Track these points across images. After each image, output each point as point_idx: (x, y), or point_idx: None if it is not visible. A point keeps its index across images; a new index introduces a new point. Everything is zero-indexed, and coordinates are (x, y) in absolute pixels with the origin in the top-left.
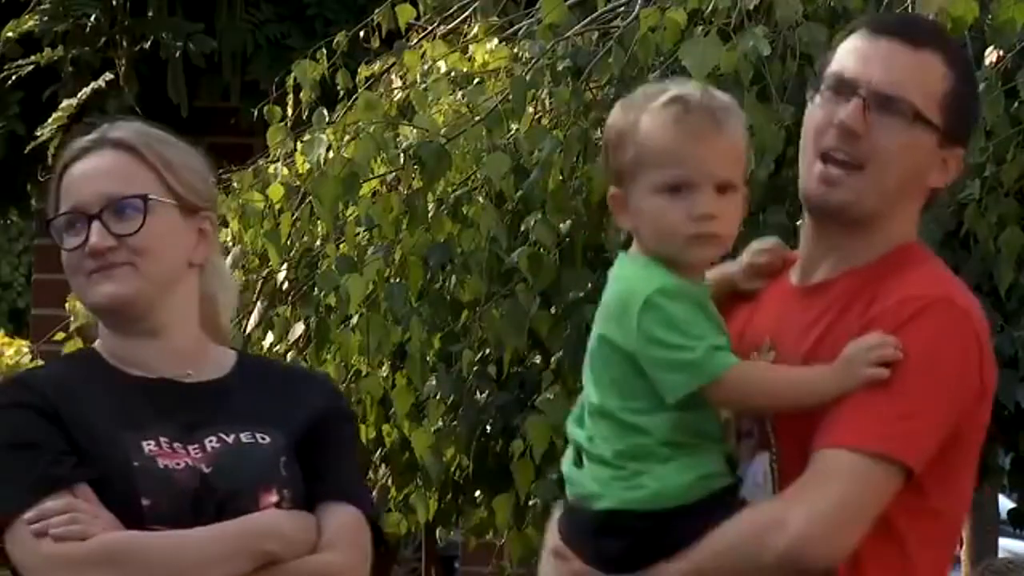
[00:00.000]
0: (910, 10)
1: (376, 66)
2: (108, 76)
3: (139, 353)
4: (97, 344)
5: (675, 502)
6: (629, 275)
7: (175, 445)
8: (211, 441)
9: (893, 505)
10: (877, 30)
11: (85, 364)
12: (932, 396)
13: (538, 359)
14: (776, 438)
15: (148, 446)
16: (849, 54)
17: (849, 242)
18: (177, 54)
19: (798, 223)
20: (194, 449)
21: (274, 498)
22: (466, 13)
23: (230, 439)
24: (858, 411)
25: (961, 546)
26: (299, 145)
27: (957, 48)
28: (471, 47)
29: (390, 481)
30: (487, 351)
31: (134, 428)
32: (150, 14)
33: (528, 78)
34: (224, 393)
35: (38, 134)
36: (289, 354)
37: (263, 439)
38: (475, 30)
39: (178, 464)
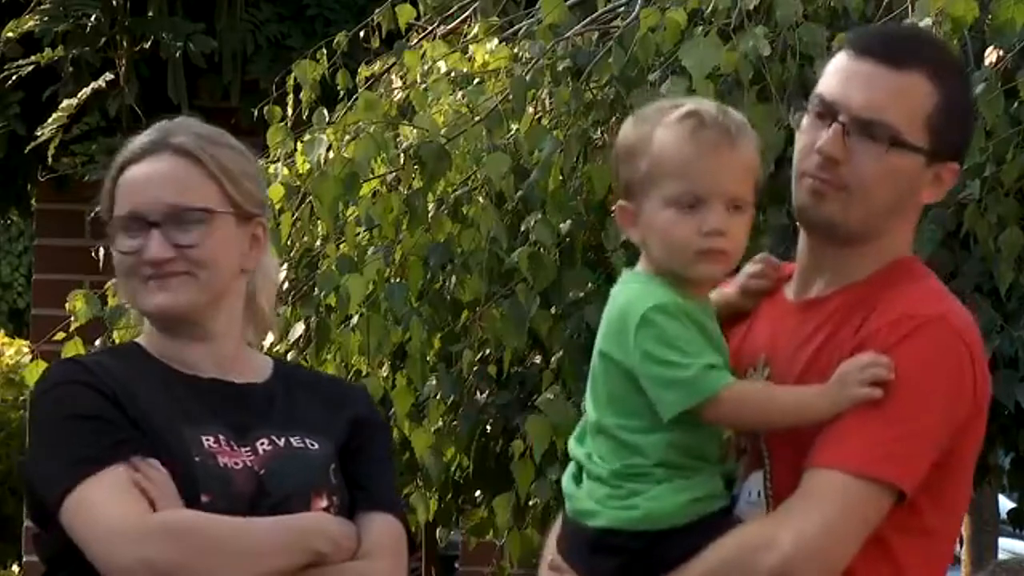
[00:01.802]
0: (910, 11)
1: (376, 66)
2: (108, 76)
3: (187, 354)
4: (141, 339)
5: (667, 523)
6: (630, 292)
7: (232, 443)
8: (262, 444)
9: (887, 524)
10: (860, 50)
11: (132, 357)
12: (924, 417)
13: (538, 359)
14: (769, 456)
15: (207, 441)
16: (832, 75)
17: (843, 258)
18: (177, 54)
19: (798, 223)
20: (246, 450)
21: (324, 503)
22: (466, 13)
23: (280, 442)
24: (850, 432)
25: (961, 546)
26: (299, 145)
27: (946, 61)
28: (471, 47)
29: None
30: (487, 351)
31: (192, 423)
32: (150, 14)
33: (528, 78)
34: (269, 397)
35: (38, 134)
36: (289, 354)
37: (313, 445)
38: (475, 30)
39: (236, 463)
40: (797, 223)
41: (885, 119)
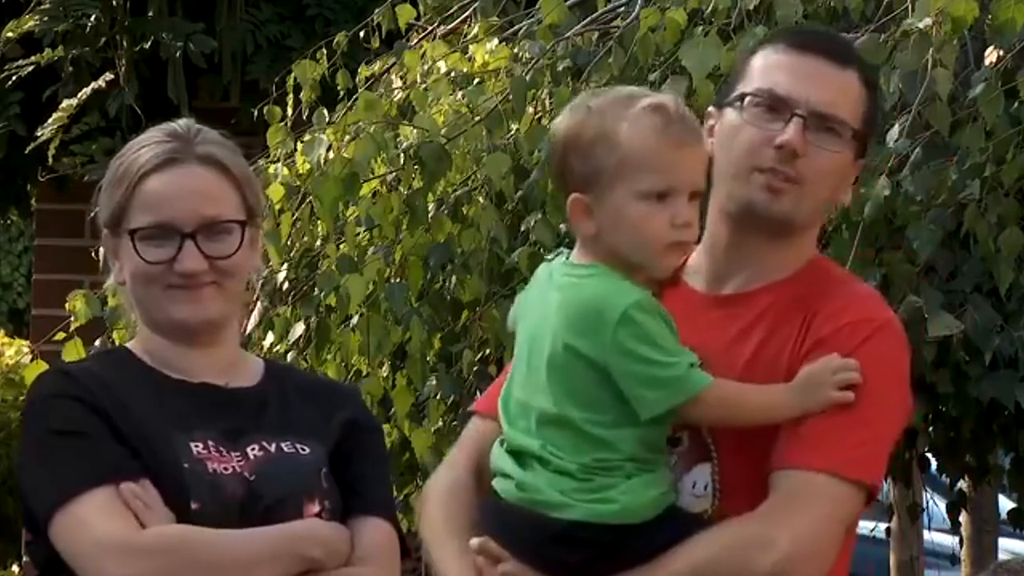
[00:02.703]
0: (910, 10)
1: (376, 66)
2: (108, 76)
3: (184, 358)
4: (132, 344)
5: (639, 517)
6: (598, 286)
7: (221, 449)
8: (253, 449)
9: None
10: (802, 46)
11: (121, 364)
12: (888, 421)
13: None
14: (717, 450)
15: (196, 448)
16: (777, 70)
17: (768, 254)
18: (177, 54)
19: (731, 216)
20: (237, 456)
21: (316, 508)
22: (466, 13)
23: (271, 447)
24: (829, 434)
25: (961, 546)
26: (299, 145)
27: (868, 65)
28: (471, 47)
29: None
30: (487, 351)
31: (181, 429)
32: (150, 14)
33: (528, 78)
34: (260, 401)
35: (38, 134)
36: (289, 354)
37: (304, 450)
38: (475, 30)
39: (226, 469)
40: (720, 218)
41: (839, 114)
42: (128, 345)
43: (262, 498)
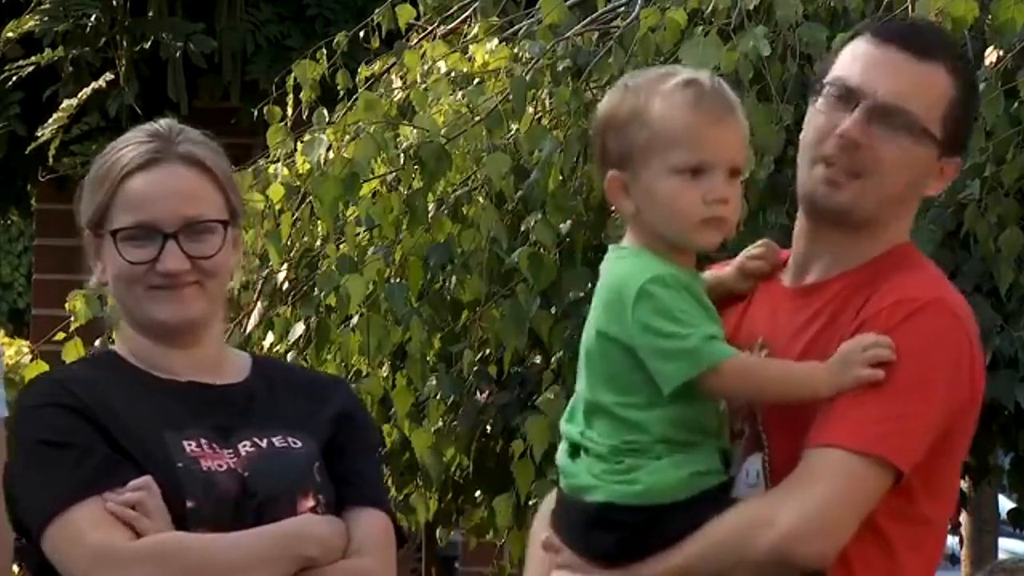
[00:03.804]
0: (910, 10)
1: (376, 66)
2: (108, 76)
3: (170, 357)
4: (117, 346)
5: (668, 498)
6: (623, 267)
7: (214, 446)
8: (244, 445)
9: (881, 509)
10: (884, 37)
11: (109, 367)
12: (923, 400)
13: (538, 359)
14: (768, 438)
15: (189, 446)
16: (855, 60)
17: (844, 244)
18: (177, 54)
19: (801, 208)
20: (229, 452)
21: (310, 503)
22: (466, 13)
23: (263, 443)
24: (850, 411)
25: (961, 546)
26: (299, 145)
27: (961, 57)
28: (471, 47)
29: (390, 481)
30: (487, 351)
31: (173, 428)
32: (150, 14)
33: (528, 78)
34: (249, 397)
35: (38, 134)
36: (289, 354)
37: (295, 444)
38: (475, 30)
39: (220, 466)
40: (800, 208)
41: (909, 107)
42: (113, 347)
43: (256, 494)
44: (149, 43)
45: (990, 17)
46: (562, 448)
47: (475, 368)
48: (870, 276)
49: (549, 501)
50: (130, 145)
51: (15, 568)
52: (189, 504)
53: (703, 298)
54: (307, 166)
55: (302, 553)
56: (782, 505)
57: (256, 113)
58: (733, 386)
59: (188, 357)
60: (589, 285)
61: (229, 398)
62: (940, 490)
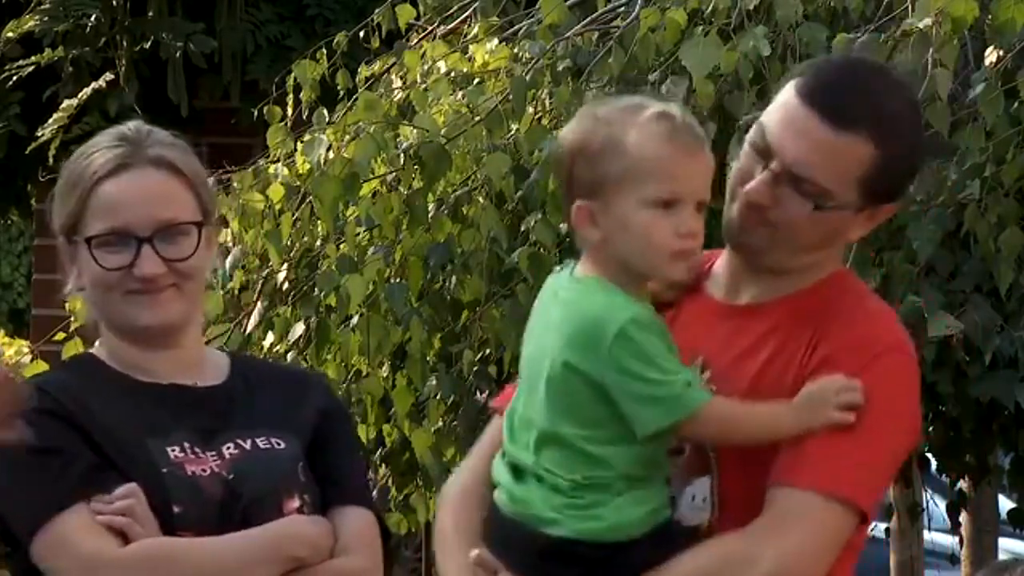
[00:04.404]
0: (910, 11)
1: (376, 66)
2: (108, 76)
3: (151, 360)
4: (97, 349)
5: (628, 535)
6: (592, 301)
7: (197, 450)
8: (228, 448)
9: None
10: (806, 97)
11: (89, 370)
12: (891, 444)
13: None
14: (717, 463)
15: (173, 452)
16: (779, 109)
17: (773, 275)
18: (177, 54)
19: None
20: (212, 455)
21: (296, 503)
22: (466, 13)
23: (247, 444)
24: (825, 454)
25: (961, 546)
26: (299, 145)
27: (894, 115)
28: (471, 47)
29: (390, 481)
30: (487, 351)
31: (155, 434)
32: (150, 14)
33: (528, 78)
34: (231, 398)
35: (38, 134)
36: (289, 354)
37: (279, 444)
38: (475, 30)
39: (204, 470)
40: None
41: (815, 178)
42: (93, 351)
43: (241, 496)
44: (149, 43)
45: (990, 17)
46: (502, 462)
47: (475, 368)
48: (815, 304)
49: (455, 489)
50: (100, 150)
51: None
52: (176, 509)
53: (669, 337)
54: (307, 166)
55: (291, 554)
56: (764, 546)
57: (256, 113)
58: (709, 431)
59: (169, 359)
60: None
61: (211, 400)
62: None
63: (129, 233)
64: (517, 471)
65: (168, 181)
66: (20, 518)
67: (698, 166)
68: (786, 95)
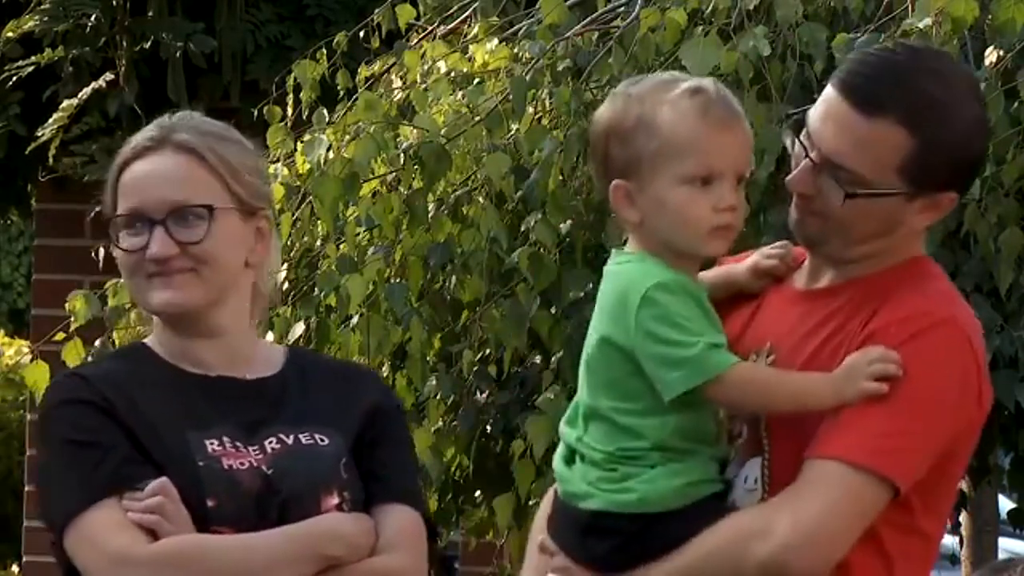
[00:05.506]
0: (910, 11)
1: (376, 66)
2: (108, 76)
3: (196, 351)
4: (149, 340)
5: (661, 507)
6: (625, 271)
7: (237, 444)
8: (270, 442)
9: (883, 521)
10: (840, 87)
11: (138, 361)
12: (928, 418)
13: (538, 359)
14: (769, 444)
15: (212, 445)
16: (819, 103)
17: (845, 262)
18: (177, 54)
19: None
20: (254, 449)
21: (335, 500)
22: (466, 13)
23: (289, 440)
24: (852, 424)
25: (961, 546)
26: (299, 145)
27: (926, 101)
28: (471, 47)
29: None
30: (487, 351)
31: (196, 427)
32: (150, 14)
33: (528, 78)
34: (280, 391)
35: (38, 134)
36: None
37: (322, 440)
38: (475, 30)
39: (242, 464)
40: None
41: (849, 165)
42: (146, 340)
43: (279, 492)
44: (149, 43)
45: (990, 17)
46: (559, 451)
47: (475, 368)
48: (882, 286)
49: (548, 502)
50: (137, 135)
51: (15, 568)
52: (210, 503)
53: (707, 306)
54: (307, 166)
55: (325, 552)
56: (778, 516)
57: (256, 113)
58: (735, 396)
59: (214, 348)
60: (590, 285)
61: (259, 392)
62: (937, 508)
63: (143, 215)
64: (570, 454)
65: (186, 165)
66: (54, 512)
67: (734, 139)
68: (828, 87)
